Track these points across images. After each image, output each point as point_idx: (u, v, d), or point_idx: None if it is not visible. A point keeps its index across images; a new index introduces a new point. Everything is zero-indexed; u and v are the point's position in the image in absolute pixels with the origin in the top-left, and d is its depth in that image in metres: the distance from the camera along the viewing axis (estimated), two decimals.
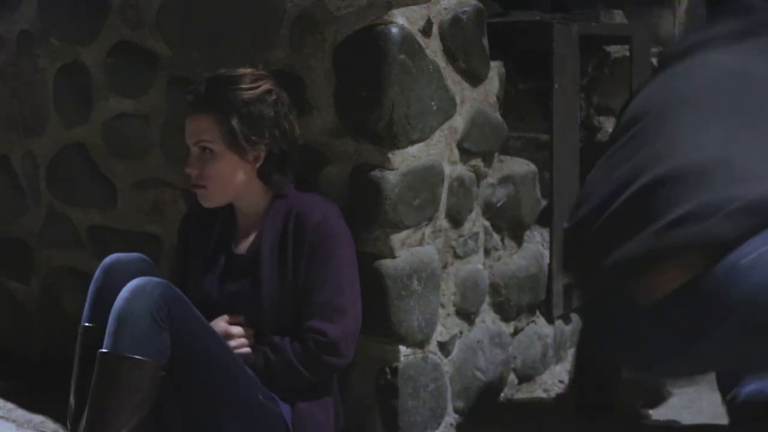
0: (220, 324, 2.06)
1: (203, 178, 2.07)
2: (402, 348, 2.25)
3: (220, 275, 2.15)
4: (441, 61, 2.28)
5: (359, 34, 2.17)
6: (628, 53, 3.01)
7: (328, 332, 2.02)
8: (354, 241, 2.12)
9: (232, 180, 2.08)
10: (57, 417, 2.42)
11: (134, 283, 1.90)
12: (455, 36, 2.31)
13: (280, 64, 2.29)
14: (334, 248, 2.07)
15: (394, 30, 2.14)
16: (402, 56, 2.15)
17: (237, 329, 2.06)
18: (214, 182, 2.07)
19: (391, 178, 2.18)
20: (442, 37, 2.29)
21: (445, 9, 2.29)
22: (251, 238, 2.14)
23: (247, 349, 2.05)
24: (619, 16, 3.15)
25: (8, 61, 2.89)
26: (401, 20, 2.16)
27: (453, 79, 2.33)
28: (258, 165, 2.08)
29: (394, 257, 2.21)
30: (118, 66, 2.61)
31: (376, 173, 2.18)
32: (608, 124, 3.23)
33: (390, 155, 2.17)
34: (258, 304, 2.07)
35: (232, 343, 2.04)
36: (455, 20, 2.31)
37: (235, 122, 2.04)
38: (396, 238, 2.21)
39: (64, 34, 2.73)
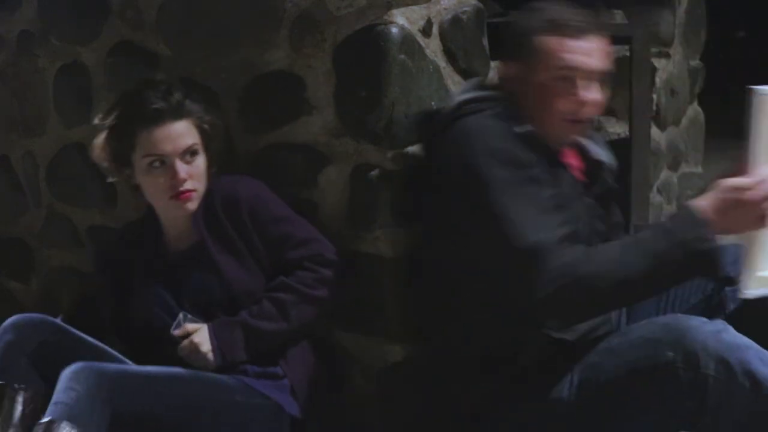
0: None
1: (193, 182, 2.10)
2: (402, 348, 2.25)
3: (169, 283, 2.16)
4: (441, 61, 2.28)
5: (359, 34, 2.17)
6: (628, 53, 3.01)
7: (323, 252, 2.12)
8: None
9: (207, 179, 2.14)
10: None
11: (70, 371, 1.87)
12: (455, 36, 2.31)
13: (280, 64, 2.29)
14: (274, 209, 2.15)
15: (394, 30, 2.14)
16: (402, 56, 2.15)
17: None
18: (201, 183, 2.12)
19: (391, 177, 2.18)
20: (442, 37, 2.28)
21: (445, 9, 2.29)
22: (185, 233, 2.16)
23: None
24: (619, 16, 3.15)
25: (8, 61, 2.89)
26: (401, 20, 2.16)
27: (453, 79, 2.33)
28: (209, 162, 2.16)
29: (394, 257, 2.21)
30: (118, 66, 2.61)
31: (376, 173, 2.18)
32: (608, 124, 3.24)
33: (390, 155, 2.17)
34: (227, 290, 2.09)
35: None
36: (455, 20, 2.31)
37: (206, 122, 2.13)
38: (396, 238, 2.21)
39: (64, 34, 2.73)
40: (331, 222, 2.27)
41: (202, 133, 2.12)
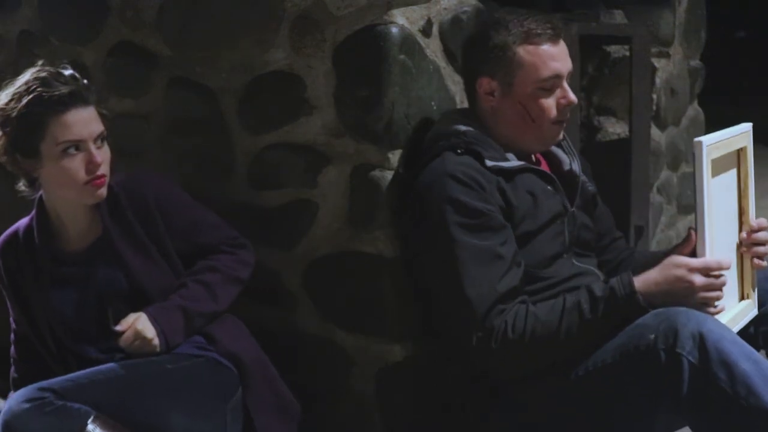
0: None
1: (105, 168, 2.05)
2: (402, 348, 2.25)
3: (69, 283, 2.12)
4: (441, 61, 2.28)
5: (359, 34, 2.17)
6: (628, 53, 3.00)
7: (237, 236, 2.17)
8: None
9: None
10: None
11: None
12: (455, 36, 2.31)
13: (280, 64, 2.29)
14: (180, 197, 2.17)
15: (394, 30, 2.14)
16: (402, 56, 2.15)
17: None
18: (108, 171, 2.08)
19: (391, 177, 2.18)
20: (442, 37, 2.29)
21: (445, 9, 2.29)
22: (86, 228, 2.12)
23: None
24: (619, 16, 3.15)
25: (8, 61, 2.89)
26: (401, 20, 2.16)
27: (453, 79, 2.33)
28: None
29: (393, 257, 2.21)
30: (118, 66, 2.61)
31: (376, 173, 2.18)
32: (608, 124, 3.23)
33: (390, 155, 2.17)
34: (134, 285, 2.07)
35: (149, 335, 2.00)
36: (455, 20, 2.31)
37: (106, 112, 2.09)
38: (396, 238, 2.21)
39: (64, 34, 2.73)
40: (331, 222, 2.27)
41: (104, 121, 2.08)
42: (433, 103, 2.25)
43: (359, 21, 2.17)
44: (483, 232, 1.92)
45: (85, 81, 2.09)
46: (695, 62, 3.62)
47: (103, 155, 2.04)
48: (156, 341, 2.00)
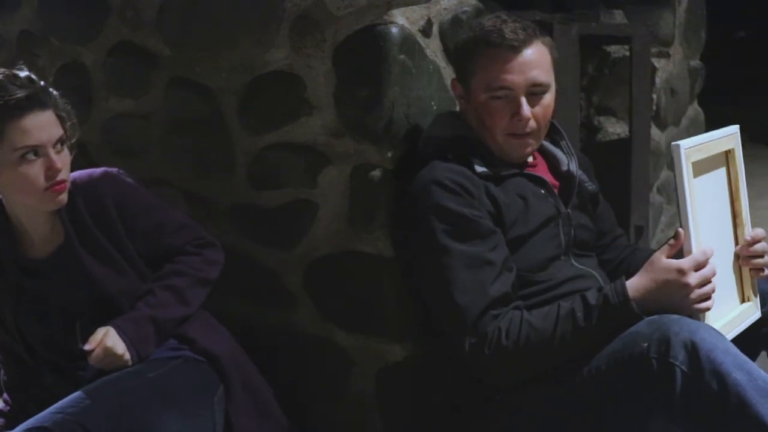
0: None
1: (65, 173, 2.00)
2: (401, 348, 2.25)
3: (33, 292, 2.07)
4: (441, 61, 2.28)
5: (359, 34, 2.17)
6: (628, 53, 3.00)
7: (203, 235, 2.12)
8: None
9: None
10: None
11: None
12: (455, 36, 2.31)
13: (280, 64, 2.29)
14: (142, 199, 2.11)
15: (394, 30, 2.14)
16: (402, 56, 2.15)
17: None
18: (68, 174, 2.03)
19: (392, 177, 2.18)
20: (442, 37, 2.29)
21: (445, 9, 2.29)
22: (47, 236, 2.07)
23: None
24: (619, 16, 3.15)
25: (8, 61, 2.89)
26: (401, 20, 2.16)
27: None
28: None
29: (393, 257, 2.21)
30: (118, 66, 2.61)
31: (376, 173, 2.18)
32: (608, 124, 3.24)
33: (390, 155, 2.17)
34: (98, 293, 2.03)
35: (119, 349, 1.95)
36: (455, 20, 2.31)
37: (64, 114, 2.03)
38: (396, 238, 2.21)
39: (64, 34, 2.73)
40: (331, 222, 2.27)
41: (64, 125, 2.02)
42: (433, 103, 2.25)
43: (359, 21, 2.17)
44: (471, 238, 1.92)
45: (42, 83, 2.03)
46: (695, 62, 3.62)
47: (62, 160, 1.99)
48: (127, 356, 1.96)
